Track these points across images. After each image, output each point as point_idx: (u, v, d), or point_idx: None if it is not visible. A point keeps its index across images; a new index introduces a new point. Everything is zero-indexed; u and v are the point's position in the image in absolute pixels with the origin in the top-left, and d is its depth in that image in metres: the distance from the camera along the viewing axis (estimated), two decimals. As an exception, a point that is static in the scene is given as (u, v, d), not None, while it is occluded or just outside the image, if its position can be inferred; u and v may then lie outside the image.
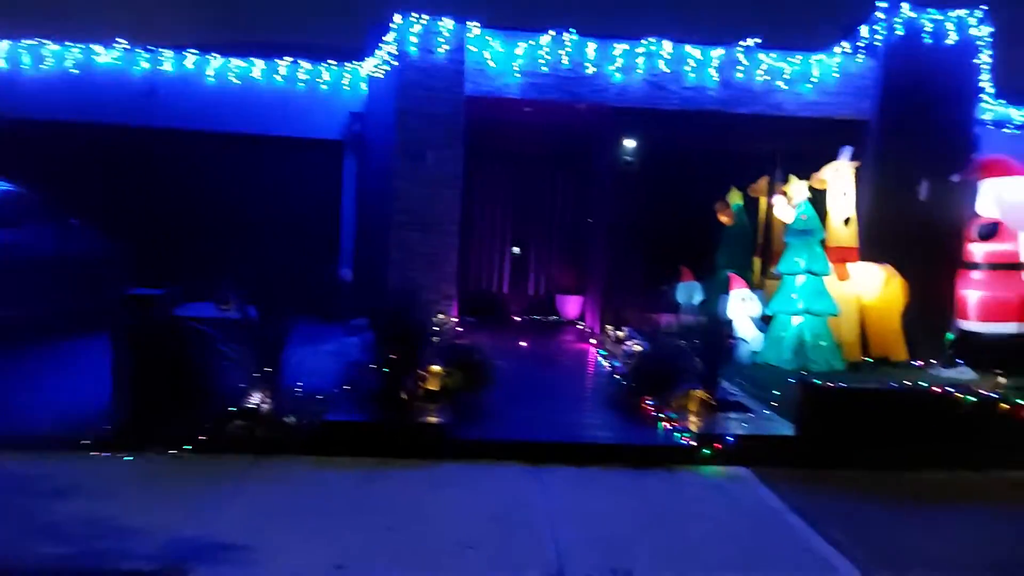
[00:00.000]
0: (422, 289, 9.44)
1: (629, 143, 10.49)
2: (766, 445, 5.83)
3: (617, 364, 8.40)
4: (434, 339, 7.60)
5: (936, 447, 5.85)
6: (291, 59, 11.32)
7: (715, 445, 5.75)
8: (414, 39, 9.42)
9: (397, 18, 9.45)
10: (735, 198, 11.71)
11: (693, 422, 6.18)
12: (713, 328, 6.64)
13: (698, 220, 11.49)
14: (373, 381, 5.96)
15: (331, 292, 10.98)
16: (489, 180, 12.47)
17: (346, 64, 11.31)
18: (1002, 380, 6.12)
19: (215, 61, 11.27)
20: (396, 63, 9.57)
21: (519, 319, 12.37)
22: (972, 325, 9.72)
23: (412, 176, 9.52)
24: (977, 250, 9.64)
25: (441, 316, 9.49)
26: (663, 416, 6.29)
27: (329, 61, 11.37)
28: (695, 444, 5.75)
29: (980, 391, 5.93)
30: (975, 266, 9.64)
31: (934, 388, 5.90)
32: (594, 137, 11.15)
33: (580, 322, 12.20)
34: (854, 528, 4.67)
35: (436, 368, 6.17)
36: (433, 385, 6.14)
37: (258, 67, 11.32)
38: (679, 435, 5.91)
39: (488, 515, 4.59)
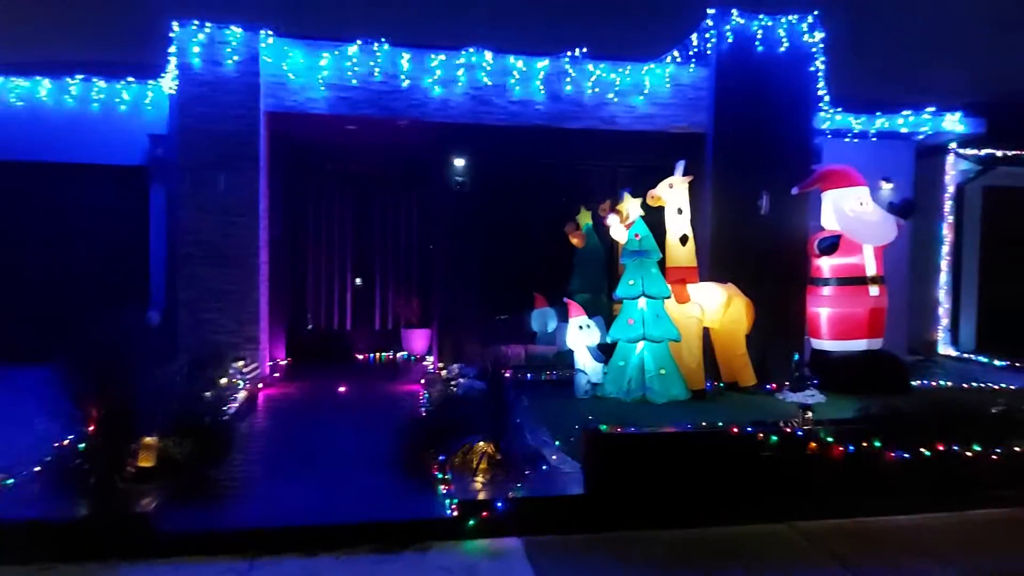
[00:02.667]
0: (218, 330, 8.34)
1: (458, 162, 9.65)
2: (546, 509, 4.94)
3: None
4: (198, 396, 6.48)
5: (738, 496, 5.09)
6: (82, 77, 10.00)
7: (483, 514, 4.82)
8: (196, 49, 8.31)
9: (176, 27, 8.32)
10: (585, 219, 11.03)
11: (476, 483, 5.25)
12: (497, 370, 5.72)
13: (547, 243, 10.75)
14: (61, 460, 4.79)
15: (131, 338, 9.63)
16: (323, 206, 11.39)
17: (148, 82, 10.06)
18: (810, 415, 5.44)
19: (-9, 80, 9.86)
20: (179, 78, 8.44)
21: (362, 358, 11.27)
22: (823, 343, 9.30)
23: (200, 203, 8.35)
24: (825, 265, 9.22)
25: (240, 363, 8.32)
26: (444, 478, 5.33)
27: (128, 79, 10.11)
28: (458, 514, 4.80)
29: (786, 429, 5.22)
30: (824, 282, 9.22)
31: (733, 428, 5.15)
32: (424, 156, 10.26)
33: (429, 358, 11.20)
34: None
35: (150, 440, 5.01)
36: (147, 460, 4.99)
37: (44, 87, 9.95)
38: (448, 503, 4.95)
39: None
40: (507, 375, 8.36)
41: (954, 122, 10.82)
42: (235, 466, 5.43)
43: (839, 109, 10.33)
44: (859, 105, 10.48)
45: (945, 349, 12.35)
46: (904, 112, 10.67)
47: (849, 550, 4.71)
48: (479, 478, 5.33)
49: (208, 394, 6.85)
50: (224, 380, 7.74)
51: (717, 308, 8.77)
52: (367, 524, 4.69)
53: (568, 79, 9.26)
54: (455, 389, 7.51)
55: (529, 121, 9.31)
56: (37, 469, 4.94)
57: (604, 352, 8.82)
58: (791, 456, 5.16)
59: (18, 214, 10.30)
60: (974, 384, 9.38)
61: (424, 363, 10.83)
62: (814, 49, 9.50)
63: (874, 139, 10.75)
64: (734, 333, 8.85)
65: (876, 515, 5.26)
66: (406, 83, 8.92)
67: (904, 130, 10.76)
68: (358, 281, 11.63)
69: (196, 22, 8.31)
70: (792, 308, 9.46)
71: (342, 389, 8.78)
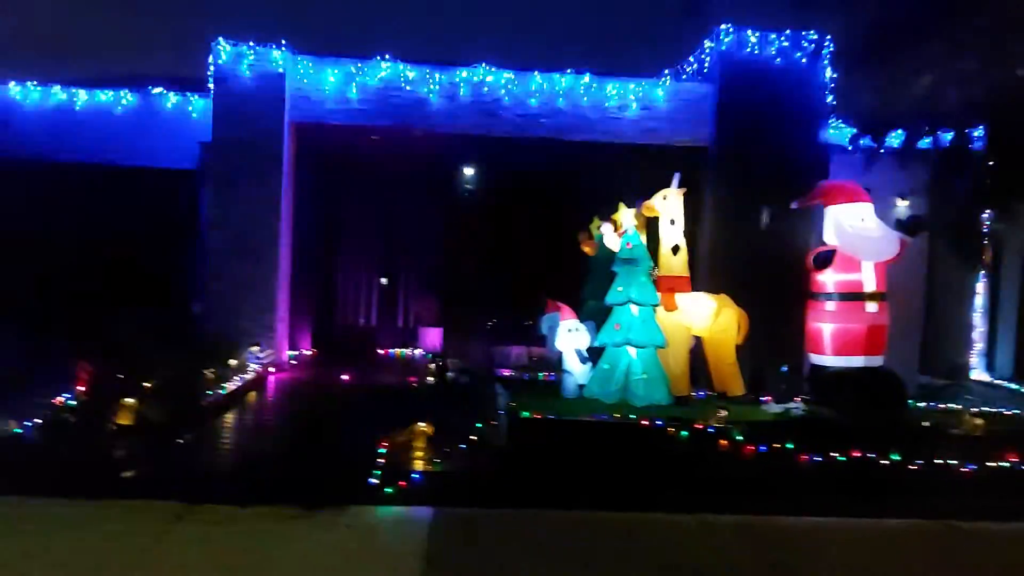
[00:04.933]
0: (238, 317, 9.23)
1: (469, 171, 10.25)
2: (460, 483, 5.39)
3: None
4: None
5: (648, 486, 5.36)
6: (144, 88, 11.21)
7: (400, 484, 5.33)
8: (229, 66, 9.30)
9: (213, 45, 9.34)
10: (598, 228, 11.36)
11: (412, 458, 5.78)
12: (444, 365, 6.23)
13: (557, 250, 11.14)
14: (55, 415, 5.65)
15: (180, 326, 10.70)
16: (351, 210, 12.24)
17: (199, 94, 11.16)
18: (723, 413, 5.63)
19: (68, 92, 11.19)
20: (214, 91, 9.45)
21: (383, 352, 12.01)
22: (821, 358, 9.22)
23: (228, 203, 9.33)
24: (827, 280, 9.16)
25: (256, 348, 9.18)
26: (384, 452, 5.88)
27: (186, 91, 11.26)
28: (379, 483, 5.33)
29: (697, 426, 5.45)
30: (826, 296, 9.16)
31: (643, 421, 5.43)
32: (439, 165, 10.92)
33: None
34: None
35: (129, 401, 5.81)
36: (125, 419, 5.79)
37: (108, 96, 11.21)
38: (374, 473, 5.49)
39: (52, 563, 4.20)
40: (504, 372, 8.86)
41: (973, 139, 10.48)
42: (206, 431, 6.16)
43: (844, 125, 10.23)
44: (873, 121, 10.32)
45: (979, 374, 11.83)
46: (921, 128, 10.43)
47: (738, 542, 4.89)
48: (416, 454, 5.84)
49: (211, 372, 7.70)
50: (235, 362, 8.61)
51: (707, 317, 8.90)
52: (294, 483, 5.29)
53: (575, 93, 9.68)
54: (430, 381, 8.05)
55: (535, 133, 9.79)
56: (38, 421, 5.81)
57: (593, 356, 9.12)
58: (703, 451, 5.39)
59: (79, 212, 11.47)
60: (984, 408, 9.05)
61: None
62: (820, 64, 9.53)
63: (886, 154, 10.54)
64: (724, 342, 8.94)
65: (790, 515, 5.39)
66: (419, 96, 9.60)
67: (921, 146, 10.51)
68: (383, 281, 12.40)
69: (228, 42, 9.28)
70: (790, 321, 9.43)
71: (345, 378, 9.49)
